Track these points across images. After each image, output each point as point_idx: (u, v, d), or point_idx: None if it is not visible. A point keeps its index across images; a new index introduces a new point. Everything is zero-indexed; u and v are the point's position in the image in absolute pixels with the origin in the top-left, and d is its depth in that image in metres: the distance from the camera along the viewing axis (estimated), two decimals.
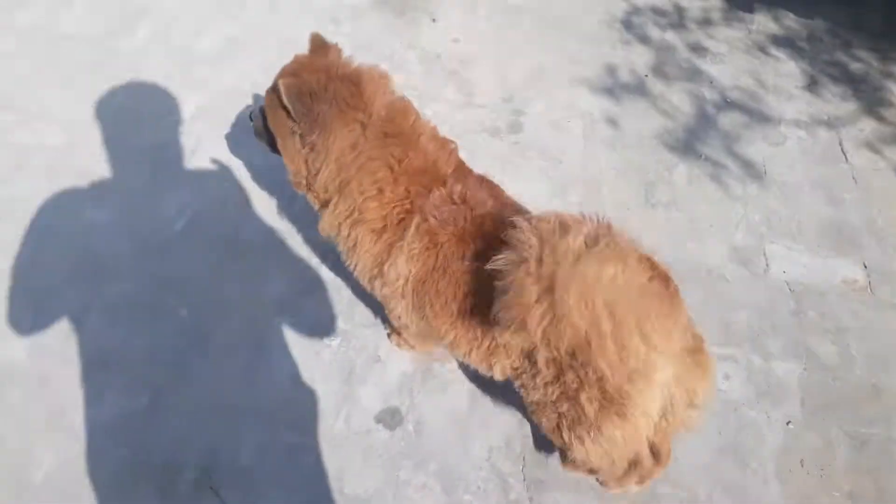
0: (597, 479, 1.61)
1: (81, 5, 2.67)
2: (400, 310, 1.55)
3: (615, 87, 2.56)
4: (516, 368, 1.40)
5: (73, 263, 1.90)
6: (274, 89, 1.46)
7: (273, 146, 1.57)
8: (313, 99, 1.44)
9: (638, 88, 2.57)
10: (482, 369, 1.49)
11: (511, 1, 2.88)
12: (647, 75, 2.63)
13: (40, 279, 1.86)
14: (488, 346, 1.41)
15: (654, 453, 1.48)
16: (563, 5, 2.89)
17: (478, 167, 1.56)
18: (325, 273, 1.94)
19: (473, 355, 1.46)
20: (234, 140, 2.23)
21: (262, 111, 1.57)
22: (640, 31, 2.81)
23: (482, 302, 1.33)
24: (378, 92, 1.48)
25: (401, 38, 2.65)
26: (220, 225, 2.02)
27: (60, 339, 1.76)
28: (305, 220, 2.00)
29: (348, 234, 1.51)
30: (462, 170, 1.52)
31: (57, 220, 2.00)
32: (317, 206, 1.59)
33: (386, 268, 1.50)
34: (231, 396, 1.69)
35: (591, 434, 1.33)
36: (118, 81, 2.38)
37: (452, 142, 1.53)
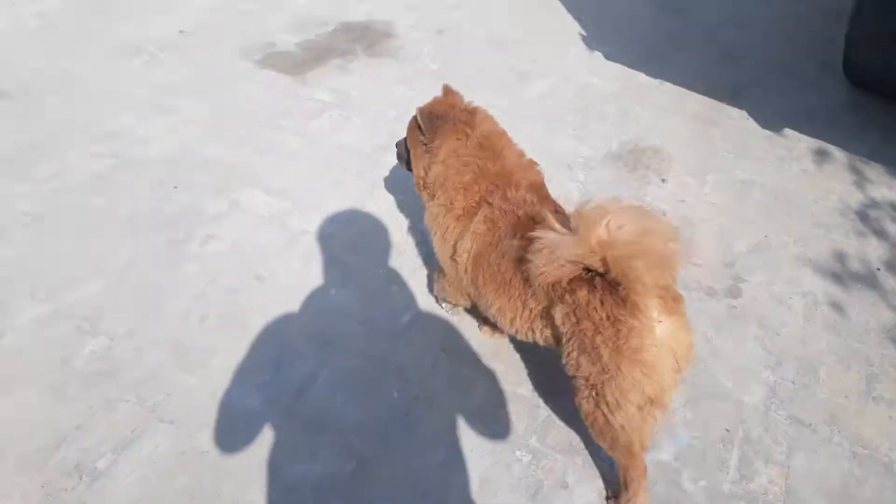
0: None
1: (359, 125, 3.16)
2: (465, 282, 1.93)
3: (843, 273, 2.51)
4: (552, 332, 1.67)
5: (313, 334, 2.17)
6: (414, 116, 1.99)
7: (408, 163, 2.07)
8: (437, 118, 1.96)
9: (868, 279, 2.49)
10: (528, 336, 1.78)
11: (741, 175, 2.97)
12: (879, 269, 2.55)
13: (286, 341, 2.15)
14: (529, 313, 1.71)
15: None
16: (795, 186, 2.92)
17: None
18: (525, 390, 2.04)
19: (518, 322, 1.76)
20: None
21: (405, 139, 2.09)
22: (876, 225, 2.75)
23: (524, 276, 1.66)
24: (485, 121, 1.99)
25: (630, 191, 2.82)
26: (438, 328, 2.22)
27: (290, 396, 1.99)
28: (513, 340, 2.14)
29: (442, 221, 1.95)
30: (540, 189, 1.90)
31: (308, 294, 2.31)
32: (427, 201, 2.03)
33: (458, 244, 1.91)
34: (425, 484, 1.79)
35: (624, 378, 1.51)
36: (378, 189, 2.76)
37: (537, 164, 1.96)
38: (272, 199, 2.70)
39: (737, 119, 3.34)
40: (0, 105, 3.11)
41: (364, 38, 3.88)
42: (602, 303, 1.50)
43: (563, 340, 1.61)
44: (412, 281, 2.38)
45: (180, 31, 3.81)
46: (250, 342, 2.13)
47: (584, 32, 4.05)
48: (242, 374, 2.04)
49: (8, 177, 2.71)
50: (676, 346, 1.52)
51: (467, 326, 2.23)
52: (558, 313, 1.60)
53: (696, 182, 2.92)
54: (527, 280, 1.63)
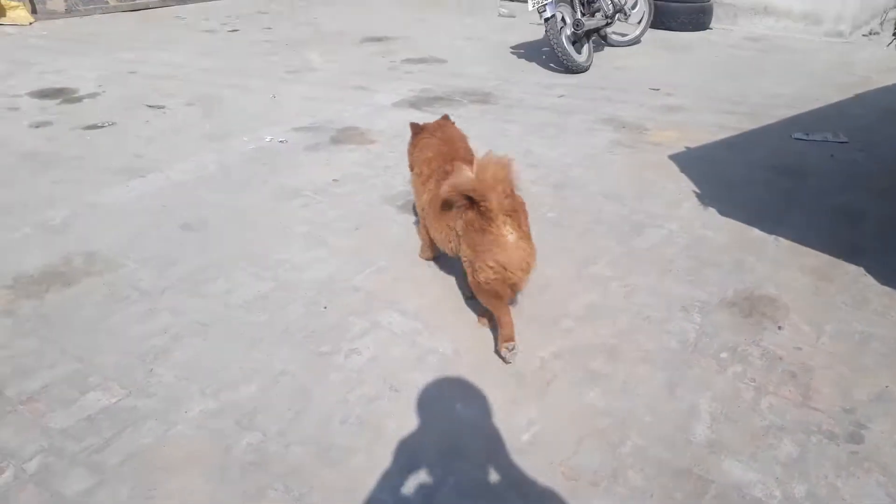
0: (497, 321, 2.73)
1: None
2: (428, 222, 3.02)
3: None
4: (457, 243, 2.75)
5: (441, 443, 2.36)
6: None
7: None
8: (419, 127, 3.26)
9: None
10: (452, 250, 2.86)
11: (859, 326, 3.01)
12: None
13: (416, 447, 2.34)
14: (450, 230, 2.78)
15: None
16: None
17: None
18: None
19: (447, 240, 2.85)
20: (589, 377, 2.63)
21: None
22: None
23: (449, 213, 2.74)
24: (449, 127, 3.23)
25: (745, 335, 2.92)
26: (557, 446, 2.35)
27: (420, 499, 2.16)
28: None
29: (415, 184, 3.12)
30: (470, 163, 2.71)
31: (436, 407, 2.52)
32: (411, 176, 3.19)
33: (423, 197, 3.02)
34: None
35: (485, 256, 2.55)
36: None
37: (474, 154, 3.01)
38: (406, 320, 3.01)
39: (854, 275, 3.41)
40: (185, 235, 3.69)
41: None
42: (479, 218, 2.53)
43: (461, 243, 2.69)
44: (532, 405, 2.55)
45: (333, 180, 4.40)
46: (385, 446, 2.35)
47: (697, 190, 4.31)
48: (377, 475, 2.24)
49: (187, 292, 3.18)
50: (520, 246, 2.56)
51: (586, 446, 2.34)
52: (459, 227, 2.68)
53: (812, 331, 2.98)
54: (448, 209, 2.73)
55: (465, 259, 2.71)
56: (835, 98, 6.18)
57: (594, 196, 4.25)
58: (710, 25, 9.24)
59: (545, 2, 6.58)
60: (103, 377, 2.63)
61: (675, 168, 4.67)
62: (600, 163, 4.76)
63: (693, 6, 8.95)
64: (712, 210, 4.06)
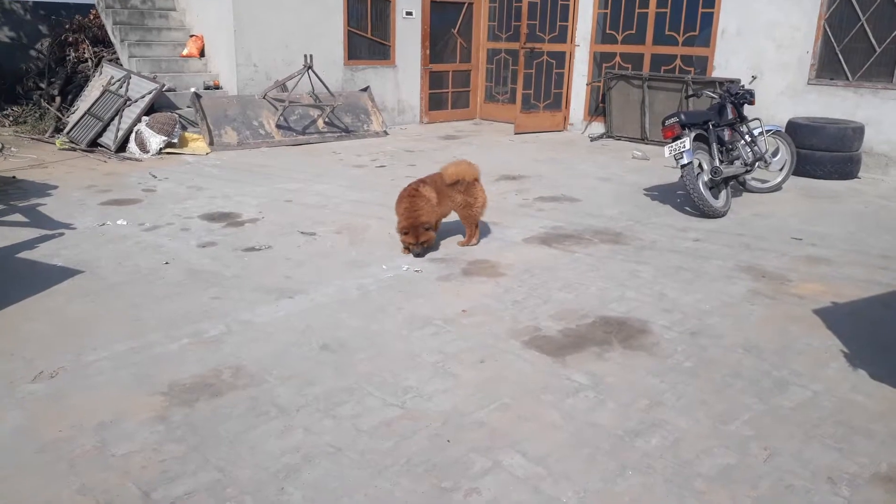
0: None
1: (612, 408, 3.41)
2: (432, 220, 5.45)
3: None
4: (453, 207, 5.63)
5: None
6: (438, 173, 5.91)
7: None
8: (426, 181, 5.60)
9: None
10: (443, 214, 5.65)
11: None
12: None
13: None
14: (453, 202, 5.60)
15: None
16: None
17: None
18: None
19: (452, 210, 5.64)
20: None
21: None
22: None
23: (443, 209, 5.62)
24: (447, 168, 5.60)
25: None
26: None
27: None
28: None
29: (429, 195, 5.43)
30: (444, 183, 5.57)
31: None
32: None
33: (434, 197, 5.46)
34: None
35: (474, 206, 5.61)
36: (630, 469, 2.90)
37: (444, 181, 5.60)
38: (528, 464, 2.96)
39: None
40: (323, 356, 3.90)
41: (620, 332, 4.27)
42: (460, 192, 5.51)
43: (458, 207, 5.59)
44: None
45: (463, 311, 4.54)
46: None
47: (846, 350, 4.05)
48: None
49: (321, 413, 3.33)
50: (480, 196, 5.64)
51: None
52: (457, 199, 5.54)
53: None
54: (451, 191, 5.52)
55: (460, 211, 5.65)
56: None
57: (733, 348, 4.09)
58: (858, 175, 8.92)
59: (682, 149, 6.68)
60: (239, 490, 2.76)
61: (820, 323, 4.43)
62: (739, 312, 4.60)
63: (840, 155, 8.72)
64: (863, 373, 3.77)
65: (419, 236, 5.33)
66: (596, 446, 3.10)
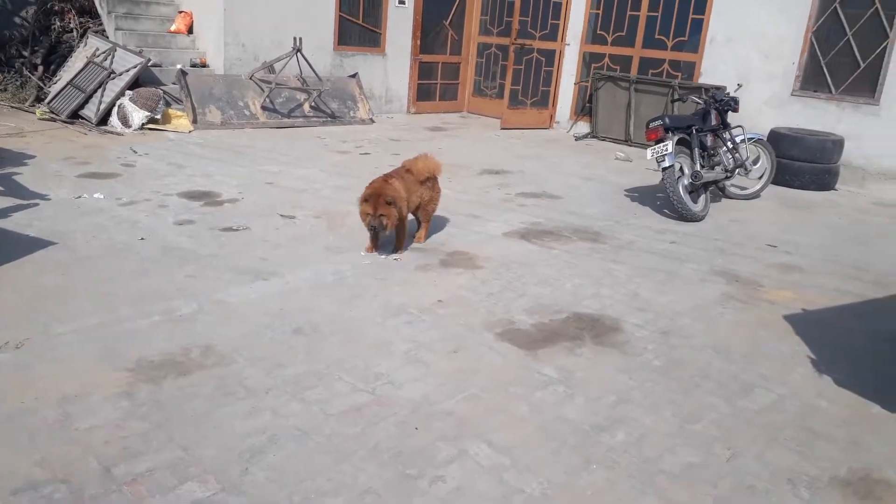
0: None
1: (581, 403, 3.43)
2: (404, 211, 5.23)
3: None
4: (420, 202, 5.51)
5: None
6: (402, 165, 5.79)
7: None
8: (393, 175, 5.35)
9: None
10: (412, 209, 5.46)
11: None
12: None
13: None
14: (420, 197, 5.46)
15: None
16: None
17: None
18: None
19: (419, 202, 5.48)
20: None
21: None
22: None
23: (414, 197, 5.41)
24: (413, 162, 5.49)
25: None
26: None
27: None
28: None
29: (398, 186, 5.19)
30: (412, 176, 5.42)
31: None
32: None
33: (402, 189, 5.20)
34: None
35: (435, 200, 5.70)
36: (594, 463, 2.93)
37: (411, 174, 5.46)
38: (494, 454, 2.98)
39: None
40: (296, 339, 3.89)
41: (593, 329, 4.30)
42: (426, 184, 5.45)
43: (424, 202, 5.54)
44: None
45: (438, 301, 4.54)
46: None
47: (813, 356, 4.11)
48: None
49: (288, 395, 3.32)
50: (438, 189, 5.67)
51: None
52: (423, 192, 5.46)
53: None
54: (419, 187, 5.41)
55: (424, 204, 5.57)
56: None
57: (703, 349, 4.13)
58: (836, 186, 9.05)
59: (665, 152, 6.73)
60: (202, 469, 2.75)
61: (790, 329, 4.49)
62: (711, 315, 4.65)
63: (819, 166, 8.83)
64: (828, 379, 3.84)
65: (378, 207, 4.88)
66: (562, 440, 3.12)
